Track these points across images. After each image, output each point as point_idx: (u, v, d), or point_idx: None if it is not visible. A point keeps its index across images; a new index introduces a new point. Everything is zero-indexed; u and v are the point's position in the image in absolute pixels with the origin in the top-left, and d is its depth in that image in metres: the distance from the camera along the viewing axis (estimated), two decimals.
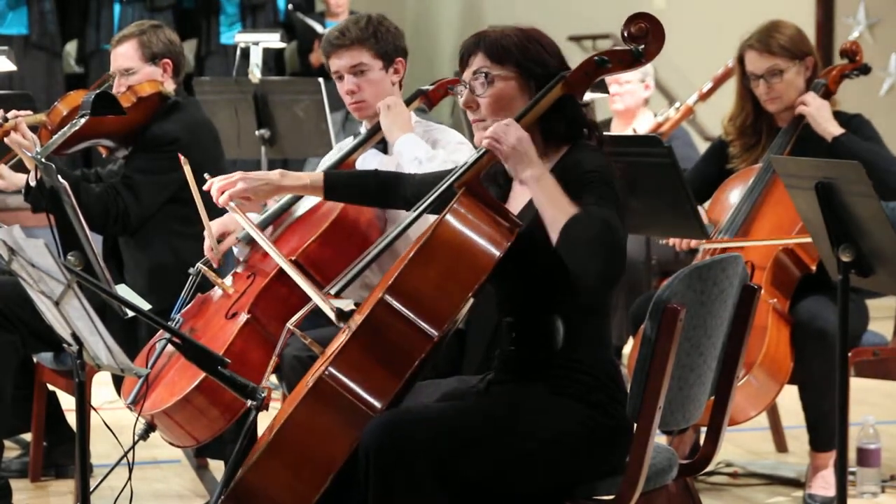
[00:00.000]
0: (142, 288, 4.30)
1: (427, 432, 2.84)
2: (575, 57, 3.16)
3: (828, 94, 4.62)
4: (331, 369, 2.89)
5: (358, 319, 2.97)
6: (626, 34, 3.03)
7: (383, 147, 4.05)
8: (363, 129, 4.12)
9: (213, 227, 3.98)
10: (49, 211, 3.76)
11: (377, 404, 2.88)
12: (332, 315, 3.01)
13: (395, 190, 3.51)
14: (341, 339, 3.01)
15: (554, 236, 2.84)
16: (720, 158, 4.74)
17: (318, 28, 9.48)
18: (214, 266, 4.01)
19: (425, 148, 3.89)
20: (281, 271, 3.61)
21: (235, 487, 2.92)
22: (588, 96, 3.17)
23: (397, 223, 3.38)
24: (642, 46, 3.02)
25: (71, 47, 10.00)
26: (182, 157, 3.90)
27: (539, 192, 2.89)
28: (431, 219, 3.14)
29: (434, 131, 4.05)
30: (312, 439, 2.89)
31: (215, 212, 3.85)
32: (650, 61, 3.07)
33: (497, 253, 2.90)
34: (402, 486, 2.82)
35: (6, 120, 4.26)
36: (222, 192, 3.57)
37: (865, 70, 4.70)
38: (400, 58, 4.07)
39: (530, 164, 2.92)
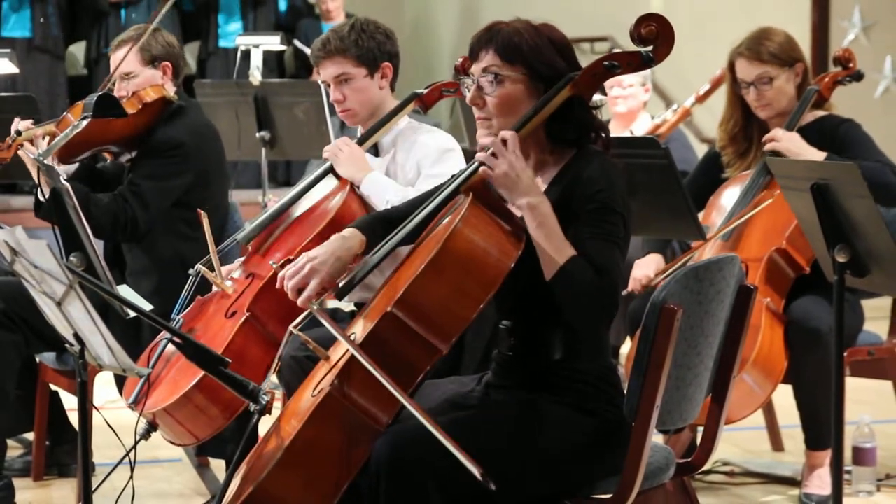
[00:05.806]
0: (145, 290, 4.31)
1: (435, 449, 2.78)
2: None
3: (821, 101, 4.63)
4: (337, 382, 2.86)
5: (363, 328, 2.93)
6: (635, 36, 2.95)
7: (375, 151, 4.08)
8: (359, 133, 4.14)
9: (223, 272, 4.00)
10: (54, 216, 3.78)
11: (383, 417, 2.86)
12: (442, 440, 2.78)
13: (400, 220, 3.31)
14: (344, 346, 2.97)
15: (547, 275, 2.85)
16: (714, 167, 4.76)
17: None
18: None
19: (394, 188, 3.88)
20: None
21: (247, 501, 2.88)
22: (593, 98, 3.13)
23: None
24: (651, 49, 2.95)
25: (77, 49, 10.01)
26: (201, 213, 3.94)
27: (534, 225, 2.86)
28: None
29: (419, 132, 4.04)
30: (323, 453, 2.86)
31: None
32: (659, 63, 2.98)
33: (508, 264, 2.86)
34: (411, 501, 2.81)
35: (19, 133, 4.27)
36: (298, 292, 3.07)
37: (858, 77, 4.70)
38: (387, 62, 4.04)
39: (525, 191, 2.88)
